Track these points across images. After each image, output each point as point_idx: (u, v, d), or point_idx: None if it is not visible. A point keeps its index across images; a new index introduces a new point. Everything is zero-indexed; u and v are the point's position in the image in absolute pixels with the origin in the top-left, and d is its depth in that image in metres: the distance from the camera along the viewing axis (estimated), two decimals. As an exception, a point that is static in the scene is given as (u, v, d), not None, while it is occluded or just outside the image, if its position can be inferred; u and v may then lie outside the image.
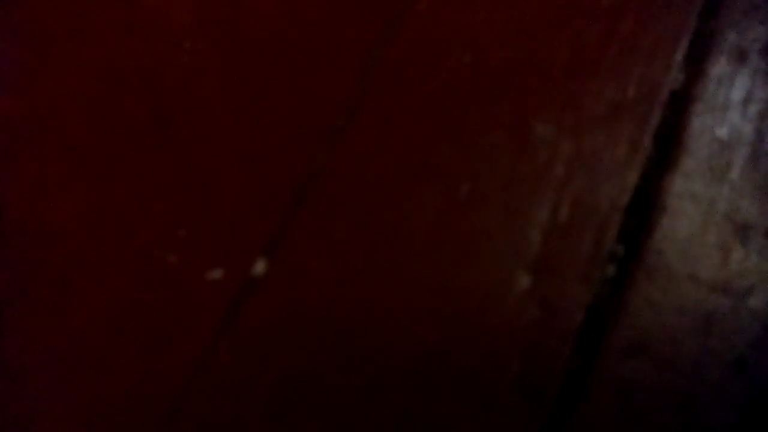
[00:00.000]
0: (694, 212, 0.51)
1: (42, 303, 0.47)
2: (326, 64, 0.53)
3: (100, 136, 0.51)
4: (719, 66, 0.55)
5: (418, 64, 0.53)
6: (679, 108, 0.54)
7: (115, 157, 0.51)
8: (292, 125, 0.52)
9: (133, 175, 0.50)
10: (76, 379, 0.46)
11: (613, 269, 0.49)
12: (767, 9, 0.56)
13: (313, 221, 0.50)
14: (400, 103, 0.52)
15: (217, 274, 0.48)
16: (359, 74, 0.53)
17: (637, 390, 0.47)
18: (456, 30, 0.55)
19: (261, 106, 0.52)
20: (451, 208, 0.50)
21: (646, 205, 0.51)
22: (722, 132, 0.53)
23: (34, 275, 0.48)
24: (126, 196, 0.50)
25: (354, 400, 0.46)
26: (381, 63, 0.53)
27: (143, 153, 0.51)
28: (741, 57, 0.55)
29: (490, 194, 0.51)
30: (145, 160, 0.51)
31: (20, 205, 0.49)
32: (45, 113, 0.51)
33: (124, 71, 0.53)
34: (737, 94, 0.54)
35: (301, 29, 0.54)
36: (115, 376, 0.46)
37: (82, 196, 0.50)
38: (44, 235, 0.49)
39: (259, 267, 0.49)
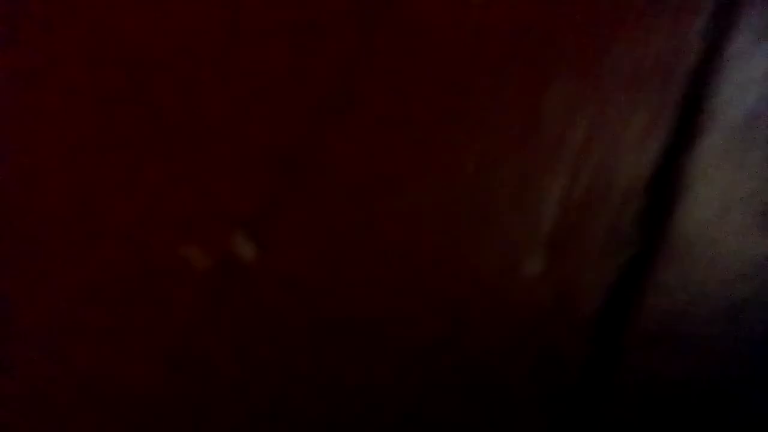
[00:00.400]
0: (719, 189, 0.50)
1: (10, 287, 0.45)
2: (323, 27, 0.51)
3: (75, 106, 0.49)
4: (748, 32, 0.53)
5: (421, 29, 0.51)
6: (703, 78, 0.52)
7: (89, 127, 0.48)
8: (282, 94, 0.50)
9: (108, 147, 0.48)
10: (48, 372, 0.44)
11: (633, 250, 0.48)
12: (796, -27, 0.55)
13: (305, 198, 0.47)
14: (401, 71, 0.50)
15: (198, 256, 0.46)
16: (359, 38, 0.50)
17: (661, 381, 0.45)
18: (461, -8, 0.52)
19: (248, 74, 0.50)
20: (457, 184, 0.48)
21: (667, 181, 0.49)
22: (750, 104, 0.52)
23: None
24: (99, 168, 0.48)
25: (351, 395, 0.44)
26: (381, 26, 0.51)
27: (121, 124, 0.48)
28: (768, 23, 0.53)
29: (499, 170, 0.48)
30: (121, 130, 0.48)
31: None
32: (20, 85, 0.49)
33: (103, 43, 0.50)
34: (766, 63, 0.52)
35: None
36: (90, 364, 0.44)
37: (52, 169, 0.48)
38: (11, 213, 0.46)
39: (245, 249, 0.46)
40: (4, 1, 0.48)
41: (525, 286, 0.46)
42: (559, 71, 0.51)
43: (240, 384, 0.44)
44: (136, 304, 0.44)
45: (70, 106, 0.48)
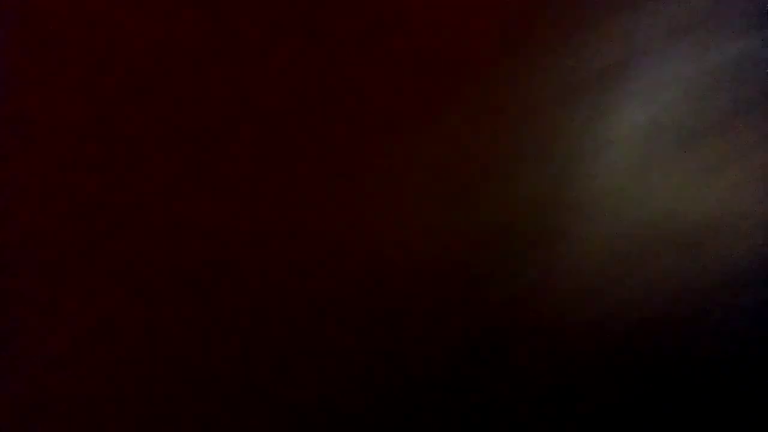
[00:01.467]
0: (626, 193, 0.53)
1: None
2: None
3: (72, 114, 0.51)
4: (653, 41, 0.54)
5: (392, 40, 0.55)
6: (608, 88, 0.51)
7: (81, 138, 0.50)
8: (272, 111, 0.51)
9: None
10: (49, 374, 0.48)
11: (543, 251, 0.49)
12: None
13: (271, 204, 0.51)
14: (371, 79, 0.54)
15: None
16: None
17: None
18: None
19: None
20: (409, 190, 0.49)
21: (570, 194, 0.50)
22: (656, 109, 0.52)
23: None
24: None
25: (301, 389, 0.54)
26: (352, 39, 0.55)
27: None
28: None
29: (444, 180, 0.48)
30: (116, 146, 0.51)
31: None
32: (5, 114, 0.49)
33: (107, 58, 0.51)
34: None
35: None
36: (92, 362, 0.48)
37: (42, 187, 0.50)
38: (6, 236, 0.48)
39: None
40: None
41: (452, 274, 0.49)
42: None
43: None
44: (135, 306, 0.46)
45: (69, 113, 0.50)
